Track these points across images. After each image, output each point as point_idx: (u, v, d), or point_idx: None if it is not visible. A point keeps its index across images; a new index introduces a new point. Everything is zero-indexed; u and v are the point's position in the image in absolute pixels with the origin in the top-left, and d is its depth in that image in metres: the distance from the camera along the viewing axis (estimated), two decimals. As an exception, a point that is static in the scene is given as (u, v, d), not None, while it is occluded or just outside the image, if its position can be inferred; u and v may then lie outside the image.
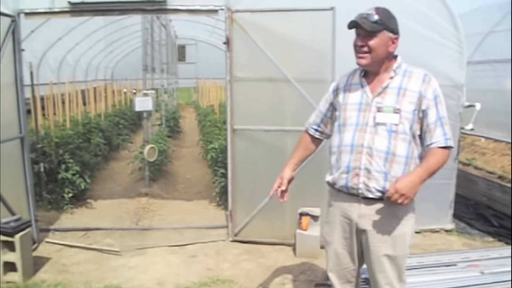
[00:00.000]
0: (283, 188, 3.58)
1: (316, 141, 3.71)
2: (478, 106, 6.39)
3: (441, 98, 3.22)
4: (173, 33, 20.61)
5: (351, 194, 3.32)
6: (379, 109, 3.20)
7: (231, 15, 6.01)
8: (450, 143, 3.19)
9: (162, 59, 15.45)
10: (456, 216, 7.29)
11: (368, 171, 3.20)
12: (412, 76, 3.24)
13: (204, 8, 6.12)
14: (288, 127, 6.01)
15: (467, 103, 6.49)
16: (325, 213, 3.68)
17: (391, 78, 3.24)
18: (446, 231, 6.97)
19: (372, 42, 3.14)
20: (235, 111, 6.25)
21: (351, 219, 3.36)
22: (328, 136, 3.64)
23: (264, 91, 6.17)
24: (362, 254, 3.48)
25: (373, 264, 3.35)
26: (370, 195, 3.23)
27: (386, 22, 3.15)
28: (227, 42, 6.10)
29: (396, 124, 3.16)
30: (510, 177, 9.19)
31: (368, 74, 3.32)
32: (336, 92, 3.49)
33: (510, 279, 4.69)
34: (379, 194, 3.20)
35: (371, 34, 3.13)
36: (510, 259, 5.11)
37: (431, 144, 3.18)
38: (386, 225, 3.28)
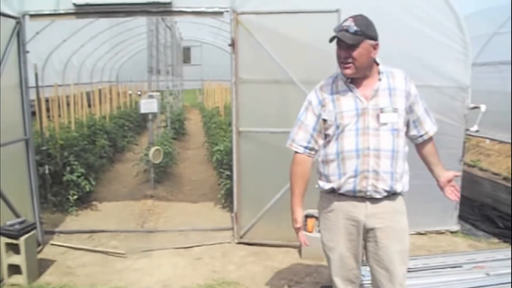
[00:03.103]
0: (299, 226, 3.60)
1: (309, 160, 3.59)
2: (483, 107, 6.38)
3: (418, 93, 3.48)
4: (178, 35, 20.63)
5: (356, 197, 3.36)
6: (381, 110, 3.27)
7: (237, 17, 6.02)
8: (436, 127, 3.57)
9: (167, 61, 15.45)
10: (462, 217, 7.27)
11: (376, 172, 3.27)
12: (395, 76, 3.38)
13: (210, 10, 6.13)
14: (293, 129, 6.00)
15: (472, 105, 6.48)
16: (322, 220, 3.68)
17: (380, 80, 3.34)
18: (452, 232, 6.96)
19: (355, 53, 3.22)
20: (241, 113, 6.24)
21: (357, 220, 3.39)
22: (316, 152, 3.60)
23: (270, 93, 6.18)
24: (363, 254, 3.55)
25: (383, 261, 3.40)
26: (378, 196, 3.31)
27: (365, 31, 3.21)
28: (233, 44, 6.11)
29: (396, 123, 3.29)
30: (514, 178, 9.17)
31: (355, 80, 3.37)
32: (322, 103, 3.46)
33: (515, 280, 4.68)
34: (385, 193, 3.31)
35: (353, 45, 3.20)
36: (511, 260, 5.10)
37: (425, 133, 3.52)
38: (393, 220, 3.40)
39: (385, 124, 3.27)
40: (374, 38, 3.26)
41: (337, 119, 3.36)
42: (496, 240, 7.00)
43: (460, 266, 5.14)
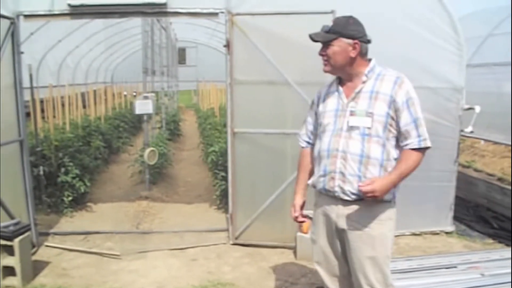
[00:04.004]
0: (296, 214, 3.68)
1: (311, 154, 3.72)
2: (477, 108, 6.40)
3: (414, 100, 3.27)
4: (174, 35, 20.62)
5: (329, 196, 3.44)
6: (352, 113, 3.31)
7: (232, 18, 6.02)
8: (425, 144, 3.26)
9: (162, 62, 15.44)
10: (456, 218, 7.29)
11: (342, 174, 3.32)
12: (384, 79, 3.33)
13: (205, 11, 6.12)
14: (288, 130, 6.00)
15: (466, 106, 6.50)
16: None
17: (364, 82, 3.35)
18: (446, 233, 6.97)
19: (328, 51, 3.34)
20: (236, 114, 6.24)
21: (330, 219, 3.48)
22: None
23: (265, 94, 6.18)
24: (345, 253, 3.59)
25: (354, 264, 3.44)
26: (346, 197, 3.35)
27: (340, 30, 3.28)
28: (228, 45, 6.10)
29: (368, 128, 3.26)
30: (510, 179, 9.19)
31: (343, 80, 3.44)
32: (317, 101, 3.62)
33: (510, 280, 4.69)
34: (354, 196, 3.32)
35: (327, 43, 3.32)
36: (511, 261, 5.11)
37: (405, 145, 3.27)
38: (364, 225, 3.37)
39: (356, 127, 3.28)
40: (354, 36, 3.28)
41: (321, 118, 3.49)
42: (490, 240, 7.02)
43: (455, 267, 5.15)
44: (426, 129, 3.28)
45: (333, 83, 3.55)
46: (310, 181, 3.64)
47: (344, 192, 3.32)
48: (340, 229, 3.44)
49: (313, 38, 3.34)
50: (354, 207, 3.35)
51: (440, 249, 6.45)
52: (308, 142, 3.74)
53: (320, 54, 3.40)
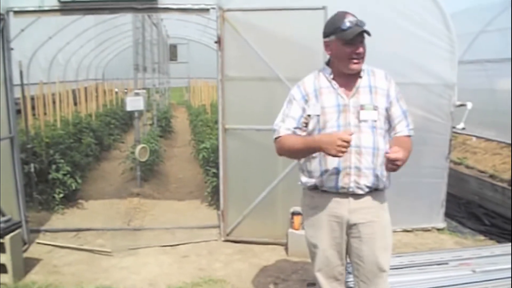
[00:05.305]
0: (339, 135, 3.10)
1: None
2: (469, 105, 6.41)
3: (401, 94, 3.45)
4: (165, 32, 20.58)
5: (339, 193, 3.37)
6: (362, 107, 3.29)
7: (223, 14, 6.00)
8: (413, 132, 3.44)
9: (153, 59, 15.39)
10: (448, 215, 7.31)
11: (358, 169, 3.29)
12: (376, 75, 3.40)
13: (196, 7, 6.11)
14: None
15: (458, 102, 6.51)
16: (305, 216, 3.67)
17: (361, 78, 3.35)
18: (438, 229, 6.98)
19: (363, 47, 3.27)
20: (227, 111, 6.23)
21: (341, 216, 3.39)
22: None
23: (256, 90, 6.17)
24: (347, 251, 3.54)
25: (365, 257, 3.41)
26: (360, 192, 3.33)
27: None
28: (219, 41, 6.09)
29: (375, 120, 3.30)
30: (501, 176, 9.21)
31: (337, 76, 3.37)
32: (305, 98, 3.41)
33: (501, 277, 4.69)
34: (367, 189, 3.33)
35: (363, 40, 3.25)
36: (511, 257, 5.11)
37: (397, 133, 3.41)
38: (376, 215, 3.41)
39: (365, 121, 3.28)
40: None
41: (318, 115, 3.36)
42: (482, 237, 7.05)
43: (446, 263, 5.15)
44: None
45: (317, 78, 3.43)
46: (311, 182, 3.45)
47: (358, 187, 3.31)
48: (351, 224, 3.39)
49: (369, 34, 3.19)
50: (365, 199, 3.37)
51: (432, 245, 6.47)
52: (295, 129, 3.39)
53: (361, 52, 3.25)
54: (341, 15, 3.25)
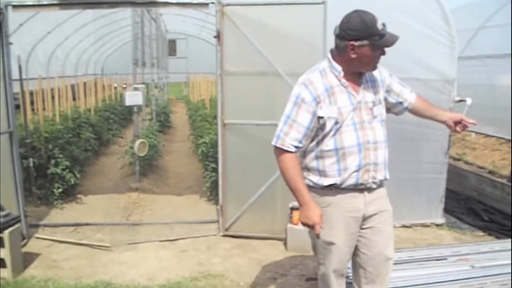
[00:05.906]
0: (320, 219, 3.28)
1: (296, 156, 3.46)
2: (469, 101, 6.36)
3: (389, 71, 3.60)
4: (164, 27, 20.56)
5: (354, 189, 3.39)
6: (373, 104, 3.35)
7: (222, 8, 5.98)
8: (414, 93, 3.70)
9: (152, 54, 15.35)
10: (447, 210, 7.31)
11: (375, 164, 3.35)
12: None
13: (195, 1, 6.10)
14: (279, 121, 5.97)
15: (458, 98, 6.49)
16: None
17: (363, 73, 3.38)
18: (437, 225, 6.98)
19: None
20: (226, 106, 6.22)
21: (358, 210, 3.41)
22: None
23: (255, 85, 6.15)
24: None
25: (378, 245, 3.51)
26: (374, 186, 3.41)
27: None
28: (218, 36, 6.07)
29: (382, 114, 3.40)
30: (500, 172, 9.22)
31: (345, 75, 3.32)
32: (317, 100, 3.27)
33: (500, 272, 4.69)
34: (380, 182, 3.45)
35: None
36: (511, 252, 5.10)
37: (410, 102, 3.65)
38: (385, 204, 3.54)
39: (376, 116, 3.34)
40: None
41: (334, 115, 3.26)
42: (481, 233, 7.05)
43: (445, 259, 5.15)
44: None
45: (326, 77, 3.32)
46: (331, 181, 3.34)
47: (375, 182, 3.38)
48: (367, 217, 3.44)
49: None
50: (377, 191, 3.46)
51: (431, 241, 6.47)
52: (297, 148, 3.35)
53: (382, 55, 3.29)
54: (373, 19, 3.20)
